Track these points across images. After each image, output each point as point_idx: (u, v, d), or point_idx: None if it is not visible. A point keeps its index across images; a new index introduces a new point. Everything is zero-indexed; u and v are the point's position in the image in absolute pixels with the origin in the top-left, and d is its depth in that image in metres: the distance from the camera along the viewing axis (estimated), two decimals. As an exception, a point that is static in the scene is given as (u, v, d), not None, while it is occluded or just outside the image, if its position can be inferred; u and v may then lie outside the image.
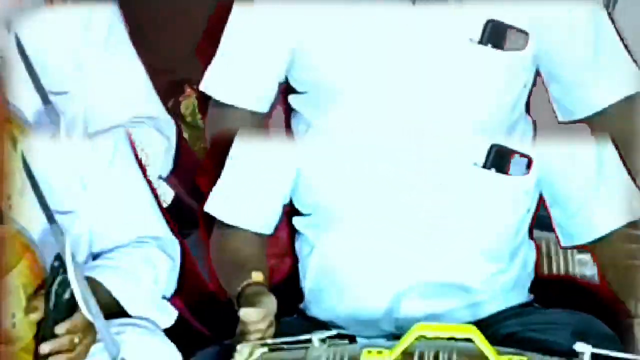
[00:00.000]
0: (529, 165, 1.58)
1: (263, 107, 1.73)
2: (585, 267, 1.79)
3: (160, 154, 2.09)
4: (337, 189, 1.62)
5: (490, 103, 1.63)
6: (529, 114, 1.70)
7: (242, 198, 1.70)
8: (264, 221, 1.67)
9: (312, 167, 1.63)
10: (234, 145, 1.70)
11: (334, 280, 1.63)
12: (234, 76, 1.74)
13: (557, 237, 1.68)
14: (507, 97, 1.63)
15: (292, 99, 1.67)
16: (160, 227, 1.74)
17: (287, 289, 1.73)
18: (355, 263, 1.61)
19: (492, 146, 1.54)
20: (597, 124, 1.69)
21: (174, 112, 3.06)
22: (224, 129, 1.78)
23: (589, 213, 1.63)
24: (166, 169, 2.12)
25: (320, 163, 1.62)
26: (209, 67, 1.76)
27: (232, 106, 1.75)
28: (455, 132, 1.62)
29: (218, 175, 1.73)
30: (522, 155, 1.58)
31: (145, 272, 1.65)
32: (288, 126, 1.80)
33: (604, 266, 1.67)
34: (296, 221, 1.66)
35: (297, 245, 1.68)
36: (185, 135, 3.20)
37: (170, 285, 1.73)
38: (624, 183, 1.61)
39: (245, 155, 1.68)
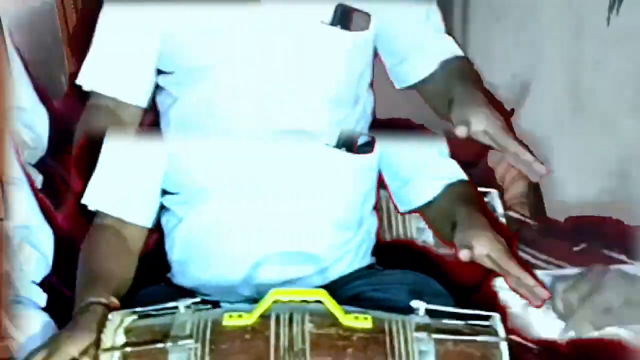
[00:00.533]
0: (372, 144, 1.71)
1: (141, 101, 1.78)
2: (423, 234, 1.96)
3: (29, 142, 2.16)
4: (201, 168, 1.69)
5: (340, 78, 1.75)
6: (371, 88, 1.84)
7: (119, 189, 1.73)
8: (144, 212, 1.72)
9: (179, 150, 1.69)
10: (106, 138, 1.74)
11: (199, 251, 1.71)
12: (109, 68, 1.77)
13: (394, 205, 1.83)
14: (355, 72, 1.77)
15: (159, 78, 1.73)
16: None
17: (154, 259, 1.78)
18: (217, 235, 1.69)
19: (341, 133, 1.66)
20: (424, 88, 1.85)
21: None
22: (97, 124, 1.82)
23: (417, 182, 1.78)
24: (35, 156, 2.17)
25: (186, 146, 1.69)
26: (84, 62, 1.80)
27: (110, 100, 1.79)
28: (309, 107, 1.72)
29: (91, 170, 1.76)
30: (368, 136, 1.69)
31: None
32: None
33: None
34: (164, 200, 1.72)
35: (163, 220, 1.74)
36: None
37: (37, 272, 1.88)
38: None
39: (118, 148, 1.72)
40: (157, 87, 1.75)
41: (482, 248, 1.52)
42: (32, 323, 1.80)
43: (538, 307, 1.64)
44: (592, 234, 2.45)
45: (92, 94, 1.82)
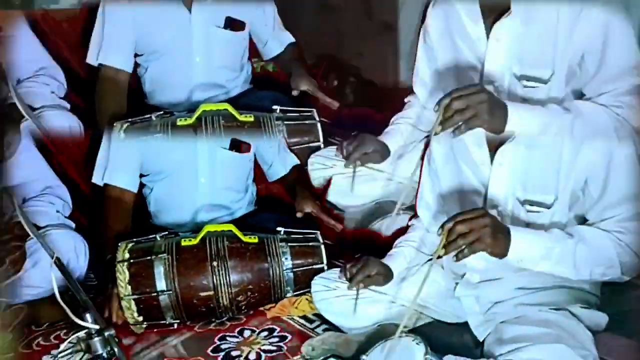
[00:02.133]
0: (249, 146, 2.60)
1: (129, 67, 2.80)
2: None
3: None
4: (158, 161, 2.58)
5: (233, 59, 2.81)
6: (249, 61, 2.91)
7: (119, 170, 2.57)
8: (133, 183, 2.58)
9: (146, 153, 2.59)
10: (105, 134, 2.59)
11: (164, 206, 2.62)
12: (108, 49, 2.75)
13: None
14: (239, 54, 2.83)
15: (137, 58, 2.80)
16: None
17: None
18: (173, 197, 2.60)
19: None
20: (278, 60, 3.06)
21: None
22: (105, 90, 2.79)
23: (275, 165, 2.69)
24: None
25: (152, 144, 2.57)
26: (89, 48, 2.79)
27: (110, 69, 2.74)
28: (217, 71, 2.78)
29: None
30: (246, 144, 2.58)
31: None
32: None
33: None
34: (142, 179, 2.61)
35: (144, 191, 2.63)
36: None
37: (65, 211, 2.63)
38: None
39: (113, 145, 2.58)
40: (136, 64, 2.73)
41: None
42: (69, 241, 2.50)
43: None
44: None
45: (100, 67, 2.78)
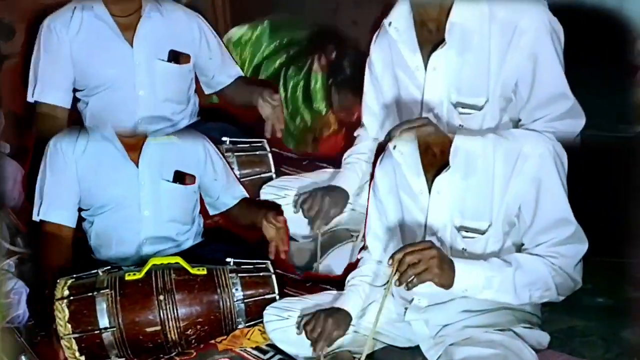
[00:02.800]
0: (194, 178, 2.55)
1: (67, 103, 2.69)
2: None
3: None
4: (100, 194, 2.48)
5: (178, 90, 2.74)
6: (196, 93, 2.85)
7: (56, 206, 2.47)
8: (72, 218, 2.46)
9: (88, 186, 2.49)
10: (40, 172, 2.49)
11: (106, 240, 2.51)
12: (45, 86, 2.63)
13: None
14: (185, 87, 2.76)
15: (78, 93, 2.66)
16: None
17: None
18: (114, 230, 2.49)
19: (175, 172, 2.51)
20: (226, 94, 2.97)
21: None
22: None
23: (222, 198, 2.65)
24: None
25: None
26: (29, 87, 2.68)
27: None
28: (161, 104, 2.68)
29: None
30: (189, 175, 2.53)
31: None
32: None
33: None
34: (82, 213, 2.50)
35: (84, 225, 2.53)
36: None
37: None
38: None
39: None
40: (75, 99, 2.62)
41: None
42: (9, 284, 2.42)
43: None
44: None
45: (37, 104, 2.68)
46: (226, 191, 2.66)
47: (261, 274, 2.37)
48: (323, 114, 3.19)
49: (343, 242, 2.59)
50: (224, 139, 2.78)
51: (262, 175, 2.81)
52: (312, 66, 3.23)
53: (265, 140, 2.85)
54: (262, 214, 2.53)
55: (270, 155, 2.82)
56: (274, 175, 2.81)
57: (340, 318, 2.15)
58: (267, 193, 2.69)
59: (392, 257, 1.91)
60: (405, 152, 2.13)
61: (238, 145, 2.81)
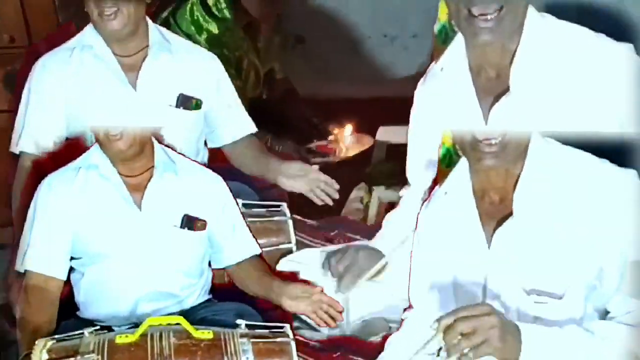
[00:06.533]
0: (205, 224, 2.29)
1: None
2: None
3: None
4: (96, 241, 2.23)
5: (187, 138, 2.48)
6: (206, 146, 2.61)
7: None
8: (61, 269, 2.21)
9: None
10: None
11: (96, 295, 2.25)
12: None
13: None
14: (194, 137, 2.52)
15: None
16: None
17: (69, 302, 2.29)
18: (109, 283, 2.23)
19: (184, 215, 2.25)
20: (230, 150, 2.70)
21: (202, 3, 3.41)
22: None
23: (228, 252, 2.38)
24: None
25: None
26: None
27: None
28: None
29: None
30: (200, 220, 2.28)
31: None
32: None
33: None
34: (72, 262, 2.24)
35: (72, 276, 2.26)
36: (214, 30, 3.44)
37: None
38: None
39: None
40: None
41: None
42: None
43: None
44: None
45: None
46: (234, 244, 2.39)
47: (278, 339, 2.08)
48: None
49: (379, 335, 2.28)
50: (237, 200, 2.47)
51: (280, 246, 2.51)
52: None
53: (284, 204, 2.57)
54: (281, 289, 2.31)
55: (290, 222, 2.53)
56: (294, 248, 2.51)
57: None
58: (285, 268, 2.43)
59: (438, 320, 1.60)
60: (458, 198, 1.85)
61: (252, 210, 2.52)
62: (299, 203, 2.71)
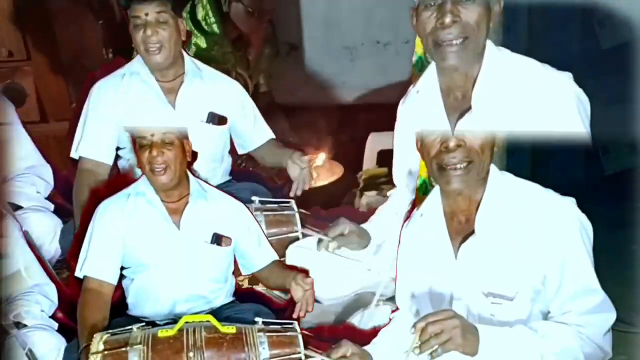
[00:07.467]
0: (230, 240, 2.61)
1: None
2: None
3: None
4: (141, 255, 2.56)
5: (215, 147, 2.82)
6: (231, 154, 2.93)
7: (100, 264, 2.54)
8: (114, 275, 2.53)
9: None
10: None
11: (143, 297, 2.56)
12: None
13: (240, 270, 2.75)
14: (221, 147, 2.85)
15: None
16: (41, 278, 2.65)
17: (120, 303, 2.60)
18: (152, 288, 2.54)
19: (214, 234, 2.56)
20: (254, 153, 3.07)
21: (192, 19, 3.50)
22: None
23: (253, 259, 2.70)
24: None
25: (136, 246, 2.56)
26: None
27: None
28: (205, 165, 2.73)
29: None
30: (226, 237, 2.59)
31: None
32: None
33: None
34: (123, 271, 2.57)
35: (123, 282, 2.59)
36: (203, 44, 3.53)
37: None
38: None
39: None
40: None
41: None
42: (50, 340, 2.52)
43: None
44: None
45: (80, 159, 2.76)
46: (258, 252, 2.73)
47: (288, 333, 2.38)
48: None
49: (368, 307, 2.60)
50: (253, 198, 2.86)
51: (289, 234, 2.86)
52: None
53: (293, 201, 2.91)
54: (292, 276, 2.59)
55: (297, 215, 2.88)
56: (300, 235, 2.86)
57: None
58: (293, 254, 2.74)
59: (414, 325, 1.91)
60: (432, 219, 2.14)
61: (267, 205, 2.88)
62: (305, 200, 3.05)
